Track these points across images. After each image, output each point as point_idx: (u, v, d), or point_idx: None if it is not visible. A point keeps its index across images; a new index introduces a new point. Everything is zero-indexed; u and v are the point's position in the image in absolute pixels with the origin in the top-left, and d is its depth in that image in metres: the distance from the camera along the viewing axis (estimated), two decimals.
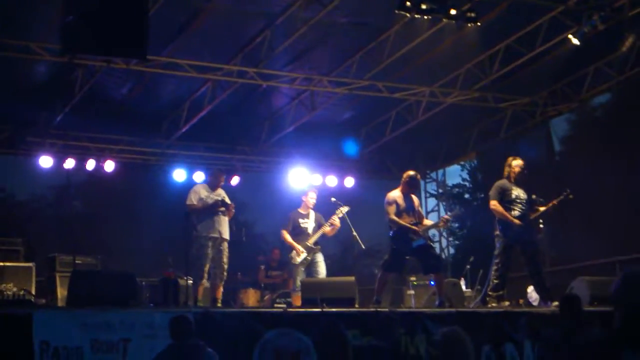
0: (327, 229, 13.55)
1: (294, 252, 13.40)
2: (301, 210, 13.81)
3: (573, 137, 24.93)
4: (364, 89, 15.08)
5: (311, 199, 13.84)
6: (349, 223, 13.47)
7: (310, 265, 13.43)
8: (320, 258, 13.53)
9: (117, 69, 13.47)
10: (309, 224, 13.67)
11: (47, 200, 20.23)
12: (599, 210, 18.95)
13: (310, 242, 13.46)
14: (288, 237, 13.53)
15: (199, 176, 16.70)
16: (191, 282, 12.64)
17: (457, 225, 29.81)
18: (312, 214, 13.76)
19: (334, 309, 10.53)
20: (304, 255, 13.37)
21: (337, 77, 14.92)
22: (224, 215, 12.54)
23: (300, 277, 13.31)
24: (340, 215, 13.50)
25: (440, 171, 20.38)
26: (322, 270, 13.47)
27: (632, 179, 18.35)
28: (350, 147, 15.03)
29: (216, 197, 12.61)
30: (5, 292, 12.32)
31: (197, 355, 7.79)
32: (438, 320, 10.69)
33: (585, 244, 17.49)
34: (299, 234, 13.55)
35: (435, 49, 14.17)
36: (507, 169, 12.19)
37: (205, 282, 12.44)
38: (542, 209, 12.15)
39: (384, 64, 14.31)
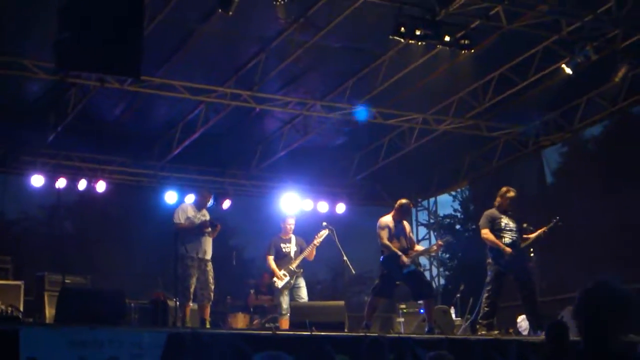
0: (307, 252, 13.61)
1: (276, 280, 13.47)
2: (282, 236, 13.93)
3: (565, 169, 24.92)
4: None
5: (289, 225, 14.04)
6: (340, 248, 13.45)
7: (292, 290, 13.52)
8: (302, 283, 13.63)
9: (111, 90, 13.44)
10: (291, 248, 13.78)
11: (37, 220, 20.07)
12: (590, 241, 18.96)
13: (292, 266, 13.52)
14: (272, 263, 13.66)
15: (190, 199, 16.58)
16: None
17: (447, 255, 29.78)
18: (293, 238, 13.89)
19: (323, 333, 10.49)
20: (286, 279, 13.45)
21: (331, 102, 14.92)
22: (209, 235, 12.52)
23: (284, 301, 13.35)
24: (321, 238, 13.55)
25: (432, 200, 20.36)
26: (303, 294, 13.58)
27: (623, 212, 18.38)
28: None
29: (203, 217, 12.61)
30: None
31: None
32: (427, 346, 10.66)
33: (576, 274, 17.47)
34: (282, 257, 13.69)
35: (429, 77, 14.23)
36: (498, 199, 12.26)
37: (192, 304, 12.41)
38: (532, 235, 12.19)
39: (378, 90, 14.36)
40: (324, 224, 13.77)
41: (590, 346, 3.64)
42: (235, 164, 17.67)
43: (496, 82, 14.60)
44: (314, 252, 13.72)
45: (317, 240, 13.60)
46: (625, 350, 3.72)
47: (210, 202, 13.13)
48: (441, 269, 23.01)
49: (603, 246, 19.07)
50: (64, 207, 17.90)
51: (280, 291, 13.48)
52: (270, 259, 13.68)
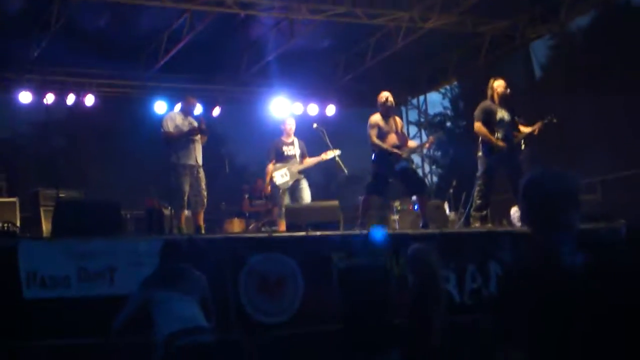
0: (310, 163, 13.59)
1: (277, 175, 13.42)
2: (284, 139, 13.82)
3: (553, 62, 24.98)
4: (342, 16, 14.97)
5: (289, 125, 13.88)
6: (331, 147, 13.47)
7: (294, 191, 13.47)
8: (305, 184, 13.57)
9: (94, 1, 13.29)
10: (294, 150, 13.68)
11: (28, 137, 20.15)
12: (578, 133, 19.10)
13: (295, 169, 13.50)
14: (269, 168, 13.59)
15: (179, 107, 16.64)
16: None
17: (439, 153, 29.90)
18: (295, 140, 13.79)
19: (318, 233, 10.61)
20: (285, 179, 13.41)
21: (316, 4, 14.77)
22: (198, 142, 12.49)
23: (284, 202, 13.35)
24: (330, 156, 13.50)
25: (422, 98, 20.35)
26: (306, 196, 13.51)
27: (609, 101, 18.47)
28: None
29: (191, 124, 12.51)
30: None
31: (185, 277, 7.83)
32: (422, 240, 10.78)
33: (565, 165, 17.62)
34: (285, 159, 13.57)
35: None
36: (489, 91, 12.18)
37: (186, 212, 12.41)
38: (525, 129, 12.18)
39: None
40: (315, 125, 13.74)
41: (549, 227, 3.72)
42: (223, 71, 17.59)
43: None
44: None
45: (324, 158, 13.54)
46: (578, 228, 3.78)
47: (200, 110, 13.00)
48: (433, 167, 23.17)
49: (590, 136, 19.26)
50: (53, 123, 17.92)
51: (278, 190, 13.49)
52: (270, 166, 13.62)
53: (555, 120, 12.02)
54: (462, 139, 24.07)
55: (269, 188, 13.62)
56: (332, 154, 13.48)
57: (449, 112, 31.61)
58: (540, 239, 3.77)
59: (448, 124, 31.76)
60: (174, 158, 12.18)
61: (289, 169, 13.46)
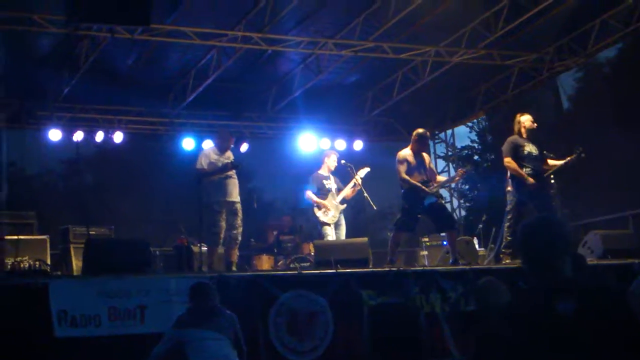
0: (349, 190, 13.56)
1: (322, 210, 13.39)
2: (322, 172, 13.81)
3: (581, 94, 24.93)
4: (369, 51, 14.99)
5: (333, 161, 13.87)
6: (360, 183, 13.49)
7: (337, 226, 13.47)
8: (343, 221, 13.59)
9: (122, 40, 13.38)
10: (332, 185, 13.68)
11: (57, 173, 20.33)
12: (608, 165, 18.99)
13: (337, 201, 13.49)
14: (313, 195, 13.51)
15: (208, 144, 16.68)
16: (205, 248, 12.64)
17: (467, 187, 29.75)
18: (331, 176, 13.79)
19: (348, 270, 10.57)
20: (331, 212, 13.39)
21: (342, 40, 14.81)
22: (234, 178, 12.48)
23: (330, 236, 13.29)
24: (362, 175, 13.51)
25: (449, 132, 20.32)
26: (343, 233, 13.51)
27: (638, 133, 18.35)
28: None
29: (225, 160, 12.52)
30: (21, 264, 12.36)
31: (217, 317, 7.84)
32: (452, 277, 10.73)
33: (596, 199, 17.53)
34: (325, 194, 13.56)
35: (439, 8, 14.06)
36: (516, 126, 12.15)
37: (220, 248, 12.39)
38: (554, 163, 12.12)
39: (388, 25, 14.19)
40: (343, 162, 13.75)
41: (543, 275, 3.88)
42: (250, 107, 17.66)
43: (507, 10, 14.40)
44: (355, 191, 13.67)
45: (358, 179, 13.50)
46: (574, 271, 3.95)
47: (232, 144, 12.97)
48: (462, 201, 23.01)
49: (621, 169, 19.12)
50: (82, 160, 18.05)
51: (324, 226, 13.44)
52: (310, 192, 13.55)
53: (584, 155, 11.93)
54: (490, 172, 23.99)
55: (319, 212, 13.50)
56: (364, 172, 13.50)
57: (476, 145, 31.47)
58: (535, 285, 3.90)
59: (476, 157, 31.61)
60: (209, 195, 12.16)
61: (330, 204, 13.43)
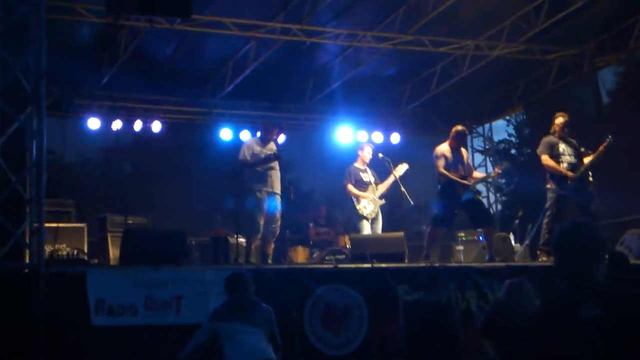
0: (387, 186, 13.54)
1: (362, 203, 13.37)
2: (358, 165, 13.80)
3: (621, 88, 24.64)
4: (408, 44, 14.91)
5: (367, 153, 13.85)
6: (398, 179, 13.47)
7: (374, 221, 13.46)
8: (379, 215, 13.57)
9: (161, 29, 13.42)
10: (369, 177, 13.66)
11: (96, 162, 20.50)
12: None
13: (377, 194, 13.48)
14: (354, 189, 13.50)
15: (245, 134, 16.76)
16: (242, 240, 12.67)
17: (504, 181, 29.63)
18: (368, 169, 13.78)
19: (383, 265, 10.58)
20: (371, 207, 13.38)
21: (381, 32, 14.75)
22: (277, 169, 12.49)
23: (366, 230, 13.29)
24: (401, 172, 13.50)
25: (487, 126, 20.20)
26: (379, 227, 13.50)
27: None
28: None
29: (268, 152, 12.55)
30: (59, 252, 12.47)
31: (254, 310, 7.84)
32: (488, 274, 10.70)
33: (636, 196, 17.32)
34: (363, 186, 13.54)
35: (480, 1, 13.98)
36: (553, 126, 12.20)
37: (257, 240, 12.39)
38: (589, 158, 12.08)
39: (428, 18, 14.13)
40: (381, 155, 13.75)
41: (573, 279, 3.92)
42: (288, 98, 17.67)
43: (549, 4, 14.29)
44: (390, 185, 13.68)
45: (397, 174, 13.50)
46: (608, 279, 4.03)
47: (283, 138, 12.96)
48: (498, 195, 22.92)
49: None
50: (121, 148, 18.16)
51: (360, 219, 13.41)
52: (350, 186, 13.55)
53: (612, 142, 11.90)
54: (527, 166, 23.84)
55: (359, 206, 13.50)
56: (402, 169, 13.49)
57: (513, 139, 31.35)
58: (564, 288, 3.93)
59: (513, 151, 31.50)
60: (252, 185, 12.23)
61: (371, 199, 13.42)
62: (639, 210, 16.12)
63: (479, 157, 20.36)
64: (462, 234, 15.65)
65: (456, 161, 12.02)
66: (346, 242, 14.38)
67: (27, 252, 9.50)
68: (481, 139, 20.35)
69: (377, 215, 13.53)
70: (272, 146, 12.67)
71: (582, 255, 3.92)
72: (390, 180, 13.52)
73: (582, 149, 12.24)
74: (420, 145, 17.50)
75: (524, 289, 6.84)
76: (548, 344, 3.85)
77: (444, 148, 12.09)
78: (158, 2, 9.74)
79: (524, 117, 28.50)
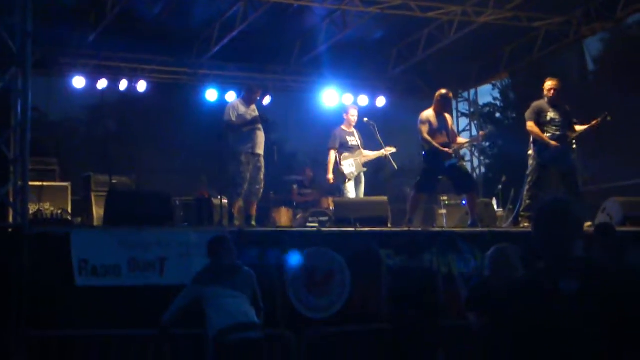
0: (372, 157, 13.60)
1: (344, 164, 13.43)
2: (345, 128, 13.82)
3: (606, 56, 24.69)
4: (396, 8, 14.86)
5: (352, 116, 13.88)
6: (382, 143, 13.52)
7: (357, 183, 13.53)
8: (363, 179, 13.64)
9: None
10: (356, 140, 13.69)
11: (80, 120, 20.41)
12: (631, 130, 18.86)
13: (360, 160, 13.53)
14: (332, 156, 13.57)
15: (231, 96, 16.73)
16: (226, 201, 12.70)
17: (488, 144, 29.70)
18: (355, 131, 13.81)
19: (367, 229, 10.65)
20: (352, 168, 13.43)
21: None
22: (261, 130, 12.52)
23: (350, 193, 13.35)
24: (389, 153, 13.55)
25: (473, 91, 20.22)
26: (362, 192, 13.56)
27: None
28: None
29: (254, 113, 12.54)
30: (43, 212, 12.50)
31: (236, 274, 7.93)
32: (470, 239, 10.80)
33: (617, 164, 17.44)
34: (350, 149, 13.59)
35: None
36: (544, 91, 12.20)
37: (240, 201, 12.42)
38: (580, 128, 12.13)
39: None
40: (366, 119, 13.81)
41: (552, 253, 4.03)
42: (274, 60, 17.61)
43: None
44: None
45: (384, 154, 13.57)
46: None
47: (268, 100, 12.94)
48: (482, 158, 23.00)
49: None
50: (106, 107, 18.13)
51: (344, 179, 13.49)
52: (332, 153, 13.61)
53: (609, 118, 11.92)
54: (511, 130, 23.90)
55: (331, 176, 13.57)
56: (391, 150, 13.55)
57: (498, 103, 31.40)
58: (542, 262, 4.07)
59: (497, 114, 31.56)
60: (236, 147, 12.19)
61: (355, 160, 13.49)
62: (620, 178, 16.26)
63: (463, 122, 20.41)
64: (445, 198, 15.74)
65: (440, 127, 12.05)
66: (330, 203, 14.47)
67: (11, 211, 9.55)
68: (466, 103, 20.39)
69: (359, 178, 13.59)
70: (254, 108, 12.64)
71: (561, 231, 4.01)
72: (377, 154, 13.58)
73: (572, 119, 12.25)
74: (406, 109, 17.54)
75: (507, 258, 6.94)
76: (527, 316, 3.97)
77: (428, 113, 12.11)
78: None
79: (509, 81, 28.57)
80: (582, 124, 12.20)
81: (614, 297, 3.88)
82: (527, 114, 12.15)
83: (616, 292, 3.91)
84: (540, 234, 4.08)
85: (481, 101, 22.53)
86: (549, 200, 4.20)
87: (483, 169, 23.33)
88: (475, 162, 20.07)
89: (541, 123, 12.00)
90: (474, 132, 19.69)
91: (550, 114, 12.03)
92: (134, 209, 10.01)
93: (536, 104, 12.14)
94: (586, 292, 3.86)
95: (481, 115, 23.58)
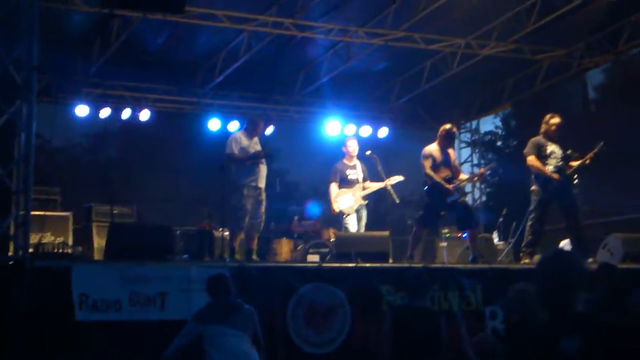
0: (375, 188, 13.59)
1: (340, 201, 13.42)
2: (346, 162, 13.79)
3: (608, 86, 24.76)
4: (399, 40, 14.93)
5: (351, 147, 13.83)
6: (383, 175, 13.52)
7: (359, 219, 13.51)
8: (365, 213, 13.61)
9: (153, 19, 13.39)
10: (357, 174, 13.67)
11: (83, 148, 20.50)
12: (632, 162, 18.88)
13: (360, 194, 13.52)
14: (332, 190, 13.54)
15: (234, 125, 16.76)
16: (227, 234, 12.69)
17: (489, 172, 29.68)
18: (358, 164, 13.78)
19: (368, 264, 10.64)
20: (349, 204, 13.40)
21: (373, 28, 14.77)
22: (264, 163, 12.50)
23: (351, 226, 13.35)
24: (393, 182, 13.52)
25: (475, 122, 20.25)
26: (363, 226, 13.53)
27: None
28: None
29: (256, 146, 12.51)
30: (44, 243, 12.51)
31: (237, 312, 7.91)
32: (471, 276, 10.78)
33: (618, 197, 17.43)
34: (349, 184, 13.57)
35: (472, 1, 14.00)
36: (544, 126, 12.20)
37: (241, 234, 12.39)
38: (578, 162, 12.14)
39: (420, 15, 14.15)
40: (368, 152, 13.79)
41: (554, 308, 4.01)
42: (278, 90, 17.66)
43: (540, 5, 14.32)
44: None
45: (389, 184, 13.54)
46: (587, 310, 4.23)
47: (271, 130, 12.90)
48: (483, 186, 23.00)
49: None
50: (108, 136, 18.17)
51: (342, 215, 13.47)
52: (333, 185, 13.59)
53: (605, 148, 11.96)
54: (513, 158, 23.92)
55: (335, 208, 13.57)
56: (396, 179, 13.53)
57: (500, 131, 31.44)
58: (544, 317, 4.05)
59: (499, 143, 31.58)
60: (239, 180, 12.19)
61: (353, 194, 13.47)
62: (621, 212, 16.24)
63: (465, 153, 20.40)
64: (446, 231, 15.71)
65: (444, 161, 12.05)
66: (331, 235, 14.42)
67: (12, 243, 9.54)
68: (469, 133, 20.43)
69: (360, 213, 13.58)
70: (257, 140, 12.65)
71: (563, 285, 3.99)
72: (379, 185, 13.56)
73: (569, 151, 12.27)
74: (408, 139, 17.61)
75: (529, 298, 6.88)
76: None
77: (432, 148, 12.12)
78: None
79: (511, 109, 28.61)
80: (580, 158, 12.19)
81: (615, 355, 3.86)
82: (527, 149, 12.15)
83: (619, 354, 3.89)
84: (543, 287, 4.07)
85: (482, 129, 22.58)
86: (551, 253, 4.20)
87: (484, 198, 23.35)
88: (477, 193, 20.09)
89: (542, 156, 12.00)
90: (476, 161, 19.74)
91: (550, 147, 12.04)
92: (135, 242, 10.00)
93: (535, 139, 12.16)
94: (588, 353, 3.83)
95: (482, 144, 23.61)
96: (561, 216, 12.27)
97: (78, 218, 14.25)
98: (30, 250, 9.64)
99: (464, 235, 14.43)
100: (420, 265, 11.12)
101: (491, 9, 14.51)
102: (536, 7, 14.31)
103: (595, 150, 11.98)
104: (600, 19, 15.09)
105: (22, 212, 9.32)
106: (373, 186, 13.67)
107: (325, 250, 13.91)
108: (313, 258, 13.66)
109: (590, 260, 11.14)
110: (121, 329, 9.13)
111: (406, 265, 11.05)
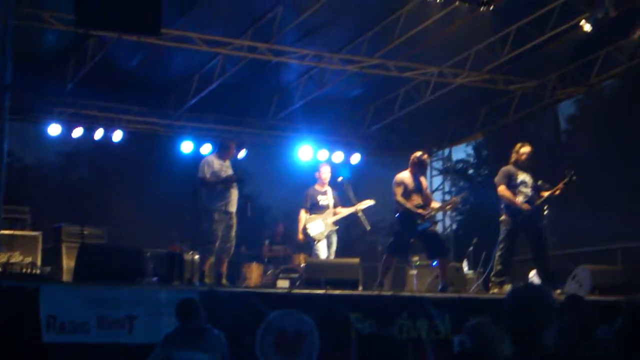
0: (345, 214, 13.63)
1: (310, 227, 13.44)
2: (318, 187, 13.87)
3: (579, 116, 24.96)
4: (374, 67, 15.01)
5: (324, 174, 13.91)
6: (354, 201, 13.55)
7: (329, 244, 13.54)
8: (335, 239, 13.65)
9: (128, 41, 13.38)
10: (328, 200, 13.72)
11: (54, 167, 20.41)
12: (602, 193, 19.01)
13: (331, 220, 13.55)
14: (302, 217, 13.62)
15: (207, 148, 16.72)
16: (197, 257, 12.66)
17: (460, 201, 29.73)
18: (329, 190, 13.83)
19: (337, 292, 10.64)
20: (319, 230, 13.43)
21: (348, 55, 14.83)
22: (235, 188, 12.49)
23: (321, 252, 13.39)
24: (364, 207, 13.58)
25: (447, 150, 20.34)
26: (333, 252, 13.58)
27: (636, 162, 18.36)
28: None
29: (228, 170, 12.52)
30: (12, 262, 12.41)
31: (206, 337, 7.90)
32: (440, 305, 10.81)
33: (588, 228, 17.54)
34: (320, 210, 13.65)
35: (446, 30, 14.09)
36: (514, 155, 12.27)
37: (212, 258, 12.38)
38: (548, 193, 12.21)
39: (395, 43, 14.23)
40: (340, 179, 13.84)
41: (520, 345, 3.98)
42: (251, 114, 17.64)
43: (514, 37, 14.46)
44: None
45: (359, 209, 13.58)
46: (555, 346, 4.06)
47: (243, 154, 12.90)
48: (454, 214, 23.04)
49: (615, 198, 19.13)
50: (80, 155, 18.10)
51: (313, 241, 13.52)
52: (303, 213, 13.65)
53: (574, 178, 12.04)
54: (484, 186, 24.02)
55: (302, 236, 13.62)
56: (366, 204, 13.57)
57: (471, 159, 31.55)
58: (510, 355, 4.03)
59: (470, 171, 31.70)
60: (210, 204, 12.21)
61: (323, 220, 13.52)
62: (591, 243, 16.33)
63: (437, 181, 20.45)
64: (416, 258, 15.70)
65: (415, 188, 12.09)
66: (301, 260, 14.41)
67: None
68: (441, 162, 20.51)
69: (330, 239, 13.61)
70: (229, 164, 12.66)
71: (531, 321, 3.98)
72: (350, 210, 13.61)
73: (540, 182, 12.35)
74: (380, 165, 17.66)
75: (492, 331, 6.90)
76: None
77: (403, 175, 12.16)
78: (127, 19, 9.74)
79: (483, 138, 28.76)
80: (550, 189, 12.27)
81: None
82: (498, 178, 12.22)
83: None
84: (510, 323, 4.07)
85: (454, 157, 22.66)
86: (519, 288, 4.19)
87: (455, 226, 23.40)
88: (447, 222, 20.15)
89: (512, 185, 12.07)
90: (447, 189, 19.82)
91: (521, 176, 12.11)
92: (105, 264, 9.97)
93: (505, 168, 12.23)
94: None
95: (454, 172, 23.69)
96: (529, 247, 12.34)
97: (47, 238, 14.15)
98: None
99: (433, 263, 14.47)
100: (389, 293, 11.15)
101: (465, 39, 14.63)
102: (510, 38, 14.44)
103: (565, 180, 12.07)
104: (573, 51, 15.23)
105: None
106: (344, 211, 13.73)
107: (296, 275, 13.91)
108: (283, 283, 13.66)
109: (558, 291, 11.20)
110: (89, 351, 9.09)
111: (375, 293, 11.07)
